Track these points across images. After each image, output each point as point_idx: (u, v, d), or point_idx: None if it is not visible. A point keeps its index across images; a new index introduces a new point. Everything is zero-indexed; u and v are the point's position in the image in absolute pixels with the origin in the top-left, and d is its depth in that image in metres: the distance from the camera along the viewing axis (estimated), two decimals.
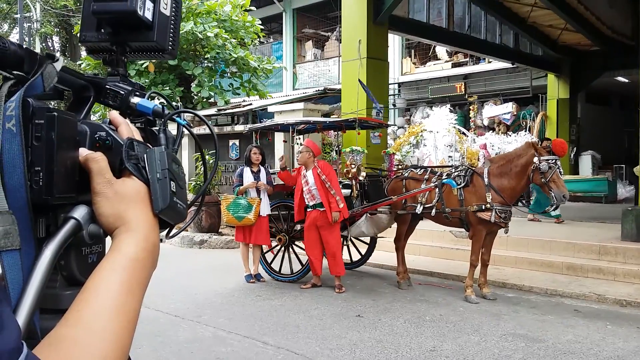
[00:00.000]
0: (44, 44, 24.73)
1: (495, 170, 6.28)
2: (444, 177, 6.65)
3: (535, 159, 5.93)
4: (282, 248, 7.47)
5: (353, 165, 7.10)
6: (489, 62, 17.21)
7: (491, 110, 16.95)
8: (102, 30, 0.86)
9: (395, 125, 17.81)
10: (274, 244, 7.53)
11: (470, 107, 16.85)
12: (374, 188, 7.37)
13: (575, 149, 16.21)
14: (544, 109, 16.76)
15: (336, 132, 9.97)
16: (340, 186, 6.90)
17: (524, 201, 6.96)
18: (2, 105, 0.64)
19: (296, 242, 7.48)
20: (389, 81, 12.29)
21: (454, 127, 14.46)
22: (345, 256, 7.74)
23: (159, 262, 0.75)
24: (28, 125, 0.65)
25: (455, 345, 4.81)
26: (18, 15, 21.70)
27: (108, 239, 0.75)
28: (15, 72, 0.68)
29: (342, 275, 6.78)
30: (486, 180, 6.24)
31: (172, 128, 0.89)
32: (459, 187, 6.41)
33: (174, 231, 0.84)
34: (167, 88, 14.62)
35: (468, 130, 15.11)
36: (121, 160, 0.74)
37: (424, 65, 19.40)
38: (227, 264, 8.50)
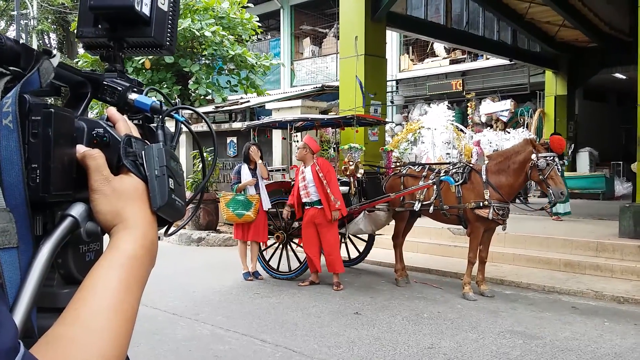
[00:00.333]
0: (41, 41, 24.65)
1: (493, 167, 6.28)
2: (441, 174, 6.65)
3: (533, 156, 5.93)
4: (280, 245, 7.46)
5: (351, 163, 7.10)
6: (487, 58, 17.22)
7: (489, 107, 16.96)
8: (100, 26, 0.85)
9: (393, 122, 17.81)
10: (272, 241, 7.52)
11: (468, 104, 16.85)
12: (372, 185, 7.37)
13: (572, 145, 16.23)
14: (541, 106, 16.78)
15: (334, 129, 9.96)
16: (339, 183, 6.89)
17: (521, 198, 6.95)
18: None
19: (294, 240, 7.48)
20: (386, 78, 12.29)
21: (452, 124, 14.47)
22: (344, 253, 7.74)
23: (157, 260, 0.75)
24: (25, 122, 0.65)
25: (453, 342, 4.81)
26: (15, 12, 21.62)
27: (106, 237, 0.75)
28: (11, 68, 0.68)
29: (340, 273, 6.78)
30: (484, 177, 6.24)
31: (171, 125, 0.88)
32: (456, 184, 6.41)
33: (172, 229, 0.84)
34: (165, 86, 14.59)
35: (466, 127, 15.11)
36: (119, 157, 0.73)
37: (422, 62, 19.39)
38: (225, 261, 8.49)
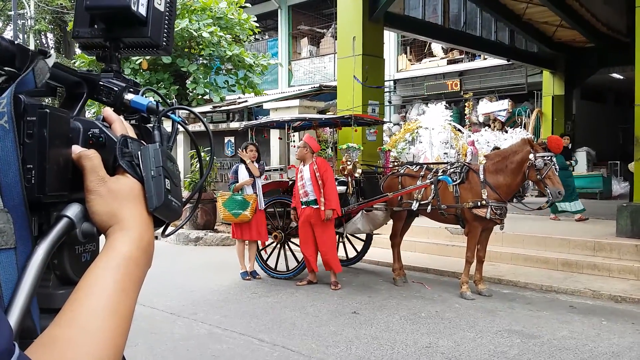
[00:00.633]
0: (38, 41, 24.61)
1: (491, 167, 6.29)
2: (439, 174, 6.65)
3: (531, 156, 5.94)
4: (278, 245, 7.46)
5: (349, 162, 7.10)
6: (484, 59, 17.23)
7: (486, 107, 16.97)
8: (96, 26, 0.85)
9: (391, 122, 17.82)
10: (269, 240, 7.52)
11: (466, 104, 16.88)
12: (369, 185, 7.38)
13: (571, 145, 16.25)
14: (539, 106, 16.80)
15: (332, 129, 9.97)
16: (336, 183, 6.89)
17: (518, 197, 6.95)
18: None
19: (292, 239, 7.47)
20: (384, 78, 12.29)
21: (450, 123, 14.47)
22: (341, 253, 7.75)
23: (154, 259, 0.74)
24: (20, 123, 0.64)
25: (451, 341, 4.81)
26: (12, 12, 21.58)
27: (102, 238, 0.74)
28: (6, 68, 0.67)
29: (337, 272, 6.78)
30: (482, 176, 6.25)
31: (167, 125, 0.88)
32: (454, 183, 6.42)
33: (170, 229, 0.83)
34: (163, 87, 14.58)
35: (463, 127, 15.12)
36: (115, 157, 0.73)
37: (420, 62, 19.41)
38: (223, 261, 8.48)
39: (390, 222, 7.24)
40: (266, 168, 7.69)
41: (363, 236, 7.98)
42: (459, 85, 17.68)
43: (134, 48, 0.88)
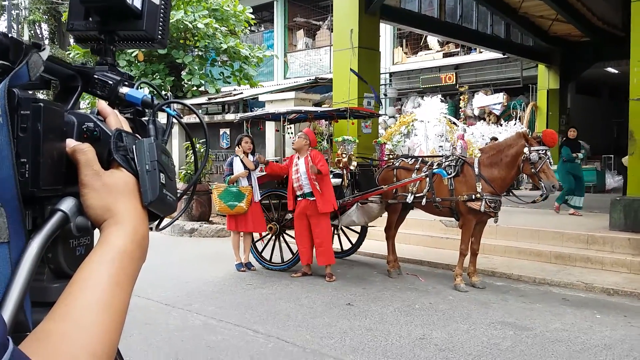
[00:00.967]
0: (32, 32, 24.43)
1: (486, 160, 6.31)
2: (434, 167, 6.67)
3: (526, 149, 5.96)
4: (273, 237, 7.47)
5: (344, 155, 7.10)
6: (480, 52, 17.25)
7: (481, 100, 17.01)
8: (90, 19, 0.85)
9: (387, 114, 17.82)
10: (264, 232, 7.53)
11: (461, 97, 16.88)
12: (364, 177, 7.39)
13: (565, 139, 16.30)
14: (534, 100, 16.84)
15: (327, 122, 9.96)
16: (331, 175, 6.90)
17: (512, 191, 6.98)
18: None
19: (287, 231, 7.49)
20: (380, 71, 12.28)
21: (445, 117, 14.50)
22: (336, 245, 7.77)
23: (149, 251, 0.74)
24: (13, 116, 0.64)
25: (445, 333, 4.85)
26: (6, 2, 21.41)
27: (97, 232, 0.74)
28: (0, 62, 0.67)
29: (332, 264, 6.80)
30: (476, 170, 6.27)
31: (162, 117, 0.88)
32: (449, 176, 6.43)
33: (164, 222, 0.83)
34: (158, 78, 14.52)
35: (458, 120, 15.15)
36: (109, 151, 0.73)
37: (416, 55, 19.39)
38: (218, 252, 8.49)
39: (385, 214, 7.26)
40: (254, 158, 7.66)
41: (358, 228, 8.00)
42: (454, 79, 17.69)
43: (128, 41, 0.88)
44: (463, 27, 14.86)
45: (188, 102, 14.05)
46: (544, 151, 5.97)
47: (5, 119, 0.62)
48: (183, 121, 0.94)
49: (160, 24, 0.88)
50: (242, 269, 7.25)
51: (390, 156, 8.43)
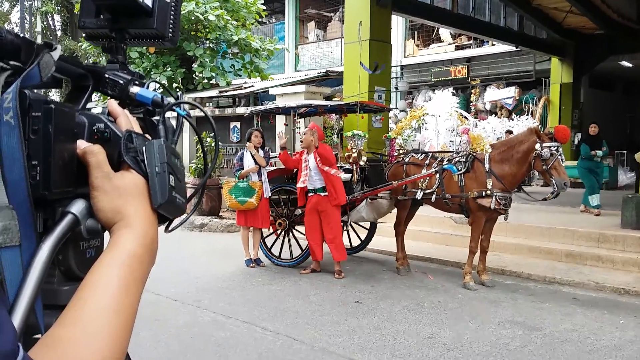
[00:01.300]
0: (44, 23, 24.52)
1: (497, 157, 6.26)
2: (444, 163, 6.63)
3: (537, 146, 5.90)
4: (282, 233, 7.48)
5: (354, 150, 7.07)
6: (492, 45, 17.08)
7: (493, 94, 16.86)
8: (101, 17, 0.85)
9: (397, 108, 17.73)
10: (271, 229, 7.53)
11: (472, 91, 16.75)
12: (374, 173, 7.37)
13: (579, 134, 16.14)
14: (546, 94, 16.67)
15: (337, 116, 9.92)
16: (341, 170, 6.89)
17: (523, 188, 6.92)
18: None
19: (296, 227, 7.49)
20: (391, 64, 12.20)
21: (456, 111, 14.39)
22: (345, 241, 7.76)
23: (159, 245, 0.75)
24: (25, 118, 0.64)
25: (453, 332, 4.84)
26: None
27: (106, 233, 0.74)
28: (12, 62, 0.67)
29: (342, 261, 6.80)
30: (487, 166, 6.22)
31: (173, 115, 0.88)
32: (459, 172, 6.39)
33: (174, 224, 0.83)
34: (169, 70, 14.54)
35: (469, 114, 15.03)
36: (119, 153, 0.73)
37: (427, 48, 19.25)
38: (227, 247, 8.52)
39: (395, 210, 7.24)
40: (271, 155, 7.67)
41: (367, 224, 7.98)
42: (466, 72, 17.53)
43: (139, 39, 0.88)
44: (476, 19, 14.71)
45: (199, 95, 14.08)
46: (555, 147, 5.91)
47: (17, 121, 0.62)
48: (193, 120, 0.94)
49: (171, 21, 0.87)
50: (252, 264, 7.27)
51: (400, 151, 8.39)
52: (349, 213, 7.12)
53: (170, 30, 0.87)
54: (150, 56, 14.66)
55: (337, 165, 7.02)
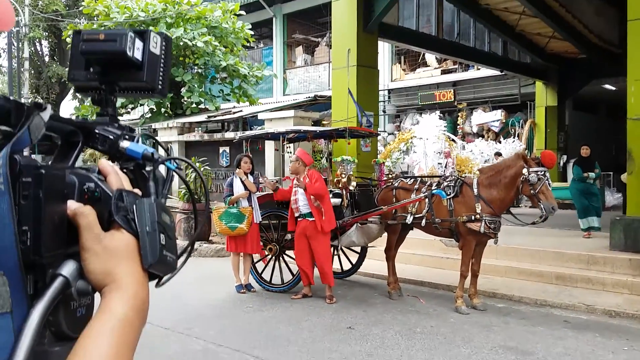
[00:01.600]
0: (32, 49, 24.52)
1: (485, 181, 6.31)
2: (433, 187, 6.67)
3: (525, 170, 5.96)
4: (273, 258, 7.45)
5: (343, 175, 7.10)
6: (478, 69, 17.33)
7: (480, 117, 17.05)
8: (91, 70, 0.85)
9: (385, 131, 17.86)
10: (264, 253, 7.49)
11: (459, 114, 16.93)
12: (364, 198, 7.39)
13: (565, 157, 16.34)
14: (532, 117, 16.89)
15: (326, 141, 9.97)
16: (331, 195, 6.90)
17: (512, 211, 6.95)
18: None
19: (287, 252, 7.46)
20: (378, 88, 12.34)
21: (444, 134, 14.52)
22: (336, 265, 7.74)
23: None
24: (15, 184, 0.64)
25: (446, 358, 4.81)
26: None
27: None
28: (2, 127, 0.67)
29: (332, 286, 6.77)
30: (475, 190, 6.27)
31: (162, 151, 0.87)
32: (448, 197, 6.43)
33: (164, 279, 0.83)
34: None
35: (456, 137, 15.17)
36: (110, 212, 0.73)
37: (414, 72, 19.49)
38: (218, 273, 8.45)
39: (385, 234, 7.25)
40: (260, 180, 7.67)
41: (358, 248, 7.97)
42: (452, 95, 17.73)
43: (129, 91, 0.88)
44: (460, 45, 14.97)
45: (188, 119, 14.10)
46: (542, 172, 5.98)
47: (7, 186, 0.62)
48: (183, 175, 0.94)
49: (161, 74, 0.88)
50: (242, 290, 7.22)
51: (390, 175, 8.43)
52: (340, 238, 7.11)
53: (160, 82, 0.88)
54: None
55: (328, 189, 7.03)
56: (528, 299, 6.80)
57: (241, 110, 14.54)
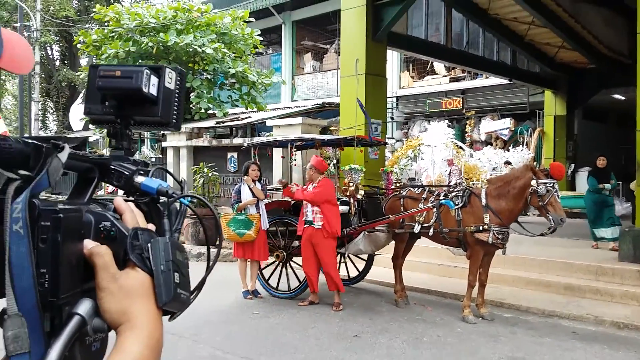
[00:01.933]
0: (43, 53, 24.74)
1: (493, 192, 6.30)
2: (441, 197, 6.67)
3: (533, 182, 5.95)
4: (280, 264, 7.46)
5: (351, 184, 7.12)
6: (486, 77, 17.31)
7: (489, 125, 17.03)
8: (107, 103, 0.87)
9: (393, 138, 17.86)
10: (271, 259, 7.51)
11: (467, 122, 16.91)
12: (372, 206, 7.39)
13: (573, 165, 16.27)
14: (541, 125, 16.84)
15: (334, 148, 9.99)
16: (339, 203, 6.91)
17: (519, 221, 6.93)
18: (9, 207, 0.65)
19: (294, 259, 7.48)
20: (387, 96, 12.35)
21: (452, 141, 14.50)
22: (343, 272, 7.74)
23: None
24: (34, 227, 0.66)
25: None
26: (18, 24, 21.73)
27: None
28: (21, 172, 0.69)
29: (334, 291, 6.76)
30: (484, 201, 6.26)
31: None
32: (456, 207, 6.43)
33: (177, 314, 0.84)
34: None
35: (465, 145, 15.15)
36: (125, 250, 0.75)
37: (422, 80, 19.50)
38: (225, 278, 8.43)
39: (393, 242, 7.25)
40: (268, 187, 7.71)
41: (365, 256, 7.97)
42: (461, 103, 17.72)
43: (144, 125, 0.90)
44: (469, 54, 14.95)
45: (196, 125, 14.15)
46: (551, 184, 5.96)
47: (26, 230, 0.65)
48: (197, 212, 0.96)
49: (175, 108, 0.90)
50: (249, 296, 7.24)
51: (397, 184, 8.42)
52: (347, 245, 7.12)
53: (175, 116, 0.90)
54: None
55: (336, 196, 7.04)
56: (536, 309, 6.77)
57: (249, 117, 14.59)
